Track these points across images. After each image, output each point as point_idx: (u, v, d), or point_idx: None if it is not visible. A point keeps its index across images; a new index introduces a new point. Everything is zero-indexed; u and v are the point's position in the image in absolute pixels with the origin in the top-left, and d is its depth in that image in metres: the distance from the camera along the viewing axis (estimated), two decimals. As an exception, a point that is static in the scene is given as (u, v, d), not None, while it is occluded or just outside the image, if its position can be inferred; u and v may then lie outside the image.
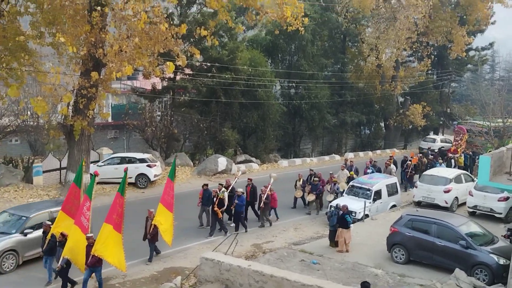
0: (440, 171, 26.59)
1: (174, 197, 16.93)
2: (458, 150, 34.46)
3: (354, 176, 26.19)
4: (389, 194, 23.98)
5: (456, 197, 24.33)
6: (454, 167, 31.58)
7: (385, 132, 53.43)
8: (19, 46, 22.38)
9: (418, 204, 24.65)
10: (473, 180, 25.20)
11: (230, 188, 21.44)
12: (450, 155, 34.05)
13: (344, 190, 24.10)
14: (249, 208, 22.29)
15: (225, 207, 20.46)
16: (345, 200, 21.73)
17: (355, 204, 21.66)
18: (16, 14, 22.97)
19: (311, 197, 24.08)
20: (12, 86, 21.97)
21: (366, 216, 22.01)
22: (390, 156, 30.70)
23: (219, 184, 21.46)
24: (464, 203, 24.00)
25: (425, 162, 30.77)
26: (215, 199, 20.08)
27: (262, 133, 39.75)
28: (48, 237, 15.09)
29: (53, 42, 23.31)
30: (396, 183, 24.99)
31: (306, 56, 43.40)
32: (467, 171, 29.89)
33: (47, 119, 30.78)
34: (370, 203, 22.38)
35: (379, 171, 27.93)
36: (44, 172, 26.80)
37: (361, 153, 44.56)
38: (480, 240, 16.45)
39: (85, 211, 14.63)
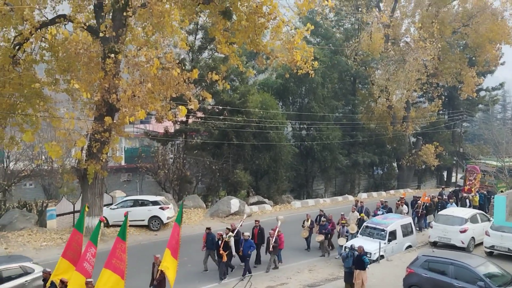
0: (456, 211, 26.27)
1: (179, 242, 16.03)
2: (472, 189, 34.13)
3: (365, 217, 25.71)
4: (404, 235, 23.63)
5: (473, 237, 23.93)
6: (469, 206, 31.17)
7: (398, 172, 53.22)
8: (34, 92, 22.92)
9: (434, 244, 24.26)
10: (489, 220, 24.86)
11: (235, 231, 20.95)
12: (464, 194, 33.70)
13: (357, 231, 23.69)
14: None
15: (232, 252, 20.14)
16: (359, 241, 21.45)
17: (369, 245, 21.31)
18: (31, 62, 23.65)
19: (319, 238, 23.46)
20: (27, 131, 22.44)
21: (381, 257, 21.67)
22: (400, 197, 30.38)
23: (227, 228, 21.09)
24: (481, 243, 23.58)
25: (436, 202, 30.47)
26: (220, 242, 19.73)
27: (275, 174, 39.79)
28: (48, 284, 14.50)
29: (67, 88, 23.85)
30: (411, 223, 24.68)
31: (316, 98, 43.82)
32: (483, 210, 29.50)
33: (61, 164, 31.12)
34: (385, 243, 22.06)
35: (390, 211, 27.51)
36: (57, 215, 26.92)
37: (374, 194, 44.24)
38: (498, 281, 16.08)
39: (89, 257, 14.07)
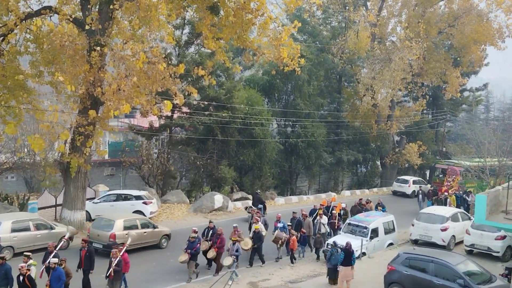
0: (437, 209, 26.59)
1: None
2: (449, 190, 34.60)
3: (261, 230, 21.67)
4: (386, 232, 23.89)
5: (453, 236, 24.30)
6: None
7: (382, 170, 53.56)
8: (18, 84, 22.64)
9: (415, 242, 24.55)
10: (469, 219, 25.23)
11: (52, 254, 16.24)
12: (444, 194, 34.08)
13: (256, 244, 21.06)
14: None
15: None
16: (342, 238, 21.66)
17: (352, 242, 21.42)
18: (16, 53, 23.35)
19: (181, 257, 19.35)
20: (9, 123, 22.19)
21: (363, 254, 21.88)
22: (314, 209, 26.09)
23: (24, 255, 15.74)
24: (461, 242, 23.94)
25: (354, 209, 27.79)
26: (22, 278, 14.62)
27: (259, 170, 39.82)
28: None
29: (52, 81, 23.59)
30: (393, 221, 24.90)
31: (302, 95, 43.89)
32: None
33: (44, 156, 30.80)
34: (367, 241, 22.26)
35: (298, 223, 23.60)
36: (39, 209, 26.61)
37: (357, 191, 44.55)
38: (478, 279, 16.36)
39: None
